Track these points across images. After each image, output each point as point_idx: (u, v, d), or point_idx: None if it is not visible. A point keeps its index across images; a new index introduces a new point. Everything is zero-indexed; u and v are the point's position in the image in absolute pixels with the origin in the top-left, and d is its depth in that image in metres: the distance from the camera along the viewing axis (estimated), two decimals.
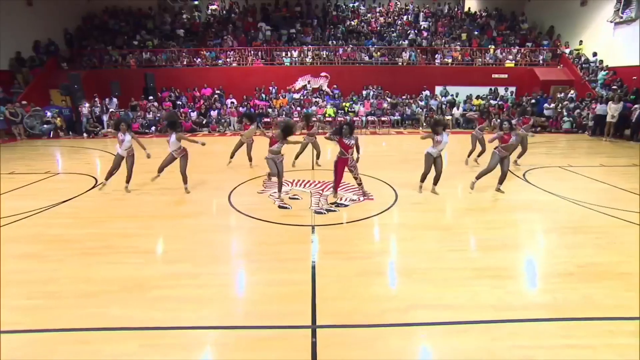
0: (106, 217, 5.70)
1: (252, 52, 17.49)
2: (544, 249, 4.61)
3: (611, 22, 15.61)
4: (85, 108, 13.87)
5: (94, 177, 7.92)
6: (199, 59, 17.17)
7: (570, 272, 3.89)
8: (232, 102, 15.35)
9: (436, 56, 17.36)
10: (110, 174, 6.85)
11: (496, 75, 17.03)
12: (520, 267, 4.17)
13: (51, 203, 6.31)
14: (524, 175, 8.00)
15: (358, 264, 4.16)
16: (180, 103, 15.61)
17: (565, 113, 14.27)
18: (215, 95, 15.83)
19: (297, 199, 6.47)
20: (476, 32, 18.56)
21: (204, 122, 14.84)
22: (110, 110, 14.23)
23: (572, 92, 15.28)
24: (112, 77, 15.69)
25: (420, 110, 15.33)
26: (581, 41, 17.01)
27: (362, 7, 20.68)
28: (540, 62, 17.35)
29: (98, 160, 10.26)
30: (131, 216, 5.73)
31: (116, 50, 17.07)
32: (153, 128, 14.18)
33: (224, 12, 20.31)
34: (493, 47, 17.73)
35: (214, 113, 15.03)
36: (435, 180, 6.69)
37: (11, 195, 6.86)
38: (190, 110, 15.13)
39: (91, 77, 15.88)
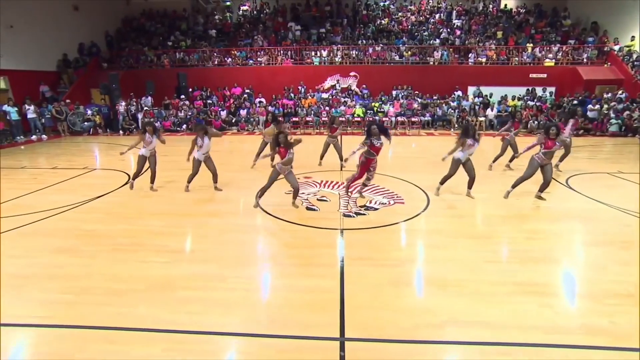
0: (136, 213, 5.77)
1: (281, 51, 17.49)
2: (594, 264, 4.19)
3: None
4: (121, 106, 14.35)
5: (127, 174, 8.10)
6: (229, 59, 17.38)
7: (629, 293, 3.48)
8: (260, 102, 15.40)
9: (469, 55, 16.66)
10: (135, 175, 6.93)
11: (534, 75, 16.12)
12: (568, 284, 3.79)
13: (87, 198, 6.48)
14: (566, 181, 7.44)
15: (389, 272, 3.94)
16: (211, 102, 15.84)
17: (612, 115, 13.27)
18: (245, 95, 15.95)
19: (326, 200, 6.31)
20: (512, 30, 17.64)
21: (233, 120, 14.98)
22: (145, 108, 14.65)
23: (621, 92, 14.19)
24: (148, 76, 16.17)
25: (452, 111, 14.74)
26: (633, 37, 15.74)
27: (392, 6, 20.20)
28: (584, 60, 16.24)
29: (132, 157, 10.53)
30: (160, 213, 5.76)
31: (152, 51, 17.58)
32: (184, 126, 14.46)
33: (255, 12, 20.45)
34: (531, 45, 16.79)
35: (243, 112, 15.14)
36: (470, 184, 6.34)
37: (52, 189, 7.13)
38: (220, 109, 15.32)
39: (128, 76, 16.44)
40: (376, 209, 5.89)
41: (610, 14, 16.93)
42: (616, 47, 16.04)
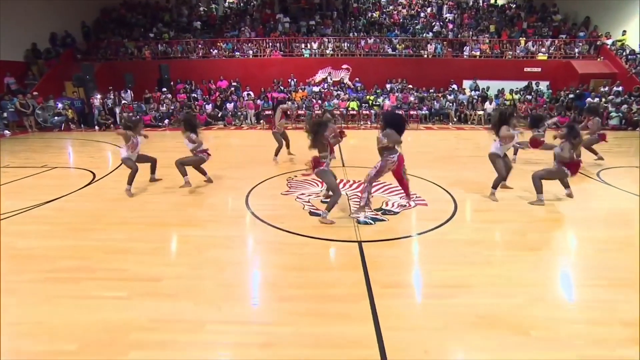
0: (92, 223, 4.28)
1: (270, 43, 15.99)
2: None
3: None
4: (97, 100, 12.60)
5: (92, 172, 6.55)
6: (215, 51, 15.76)
7: None
8: (248, 94, 13.90)
9: (464, 48, 15.57)
10: (131, 178, 5.38)
11: (528, 69, 15.18)
12: None
13: (34, 203, 4.94)
14: (598, 175, 6.33)
15: (437, 309, 2.65)
16: (195, 96, 14.23)
17: (611, 108, 12.39)
18: (232, 88, 14.40)
19: None
20: (504, 24, 16.65)
21: (219, 115, 13.43)
22: (124, 102, 12.93)
23: (617, 85, 13.36)
24: (127, 69, 14.41)
25: (450, 104, 13.61)
26: (624, 31, 15.00)
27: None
28: (576, 54, 15.38)
29: (104, 153, 8.92)
30: (123, 223, 4.30)
31: (132, 42, 15.78)
32: (167, 121, 12.83)
33: (242, 4, 18.82)
34: (524, 39, 15.84)
35: (230, 105, 13.61)
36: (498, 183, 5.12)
37: None
38: (205, 103, 13.74)
39: (106, 69, 14.64)
40: (395, 213, 4.58)
41: (599, 10, 16.15)
42: (608, 42, 15.25)
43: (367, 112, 13.48)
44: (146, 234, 3.96)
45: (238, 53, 15.81)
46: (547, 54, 15.50)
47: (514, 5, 18.07)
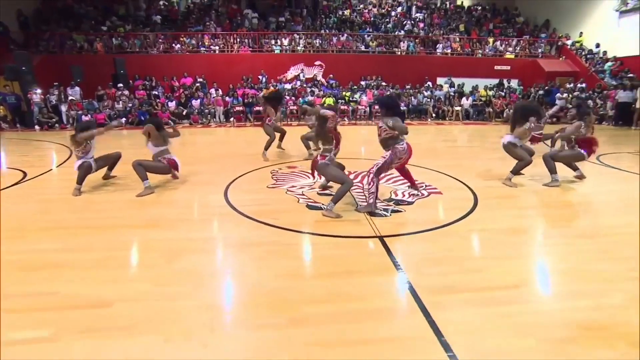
0: (16, 229, 3.11)
1: (237, 39, 14.95)
2: None
3: (617, 10, 14.26)
4: (36, 95, 10.87)
5: (22, 171, 5.21)
6: (178, 46, 14.45)
7: None
8: (217, 91, 12.74)
9: (437, 46, 15.48)
10: (81, 177, 4.22)
11: (498, 67, 15.34)
12: None
13: None
14: (598, 159, 6.03)
15: (518, 319, 1.89)
16: (156, 93, 12.84)
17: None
18: (197, 84, 13.18)
19: (331, 194, 4.12)
20: (472, 25, 16.87)
21: (184, 112, 12.16)
22: (71, 98, 11.29)
23: (581, 82, 13.76)
24: (75, 63, 12.72)
25: (428, 100, 13.32)
26: (581, 33, 15.65)
27: None
28: (540, 54, 15.84)
29: (44, 152, 7.45)
30: (61, 227, 3.17)
31: (81, 34, 14.06)
32: (124, 119, 11.35)
33: (206, 0, 17.63)
34: (492, 38, 16.07)
35: (196, 103, 12.38)
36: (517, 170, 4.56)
37: None
38: (168, 101, 12.40)
39: (48, 62, 12.83)
40: (410, 202, 3.82)
41: (557, 13, 16.81)
42: (568, 42, 15.84)
43: (345, 107, 12.82)
44: (91, 241, 2.88)
45: (203, 48, 14.60)
46: (514, 53, 15.80)
47: (480, 8, 18.41)
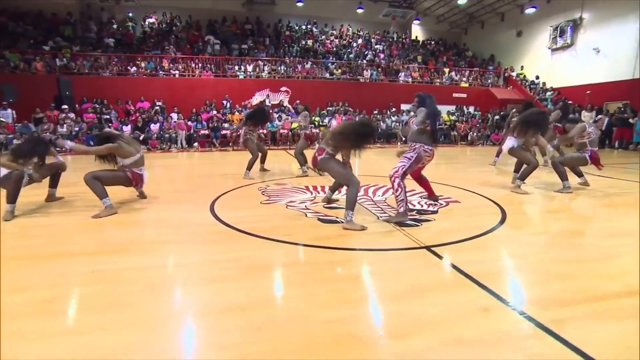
0: None
1: (199, 64, 14.38)
2: None
3: (549, 48, 16.00)
4: None
5: None
6: (134, 68, 13.49)
7: None
8: (178, 115, 11.85)
9: (399, 74, 16.14)
10: (12, 196, 3.22)
11: (456, 94, 16.29)
12: None
13: None
14: None
15: None
16: (108, 117, 11.63)
17: None
18: (157, 108, 12.21)
19: (339, 208, 3.56)
20: (429, 57, 18.00)
21: (141, 137, 11.04)
22: (1, 120, 9.75)
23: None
24: (8, 82, 11.22)
25: (398, 124, 13.54)
26: (522, 66, 17.33)
27: (315, 29, 19.08)
28: (489, 84, 17.18)
29: None
30: None
31: (16, 53, 12.59)
32: (70, 143, 9.96)
33: (164, 25, 17.01)
34: (447, 69, 17.19)
35: (154, 127, 11.36)
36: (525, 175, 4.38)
37: None
38: (122, 125, 11.25)
39: None
40: (434, 212, 3.38)
41: (500, 49, 18.60)
42: (514, 74, 17.41)
43: (317, 130, 12.55)
44: (28, 276, 2.01)
45: (162, 72, 13.79)
46: (468, 83, 16.95)
47: (433, 42, 19.81)
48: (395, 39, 19.84)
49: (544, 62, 16.35)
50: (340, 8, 18.60)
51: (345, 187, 3.11)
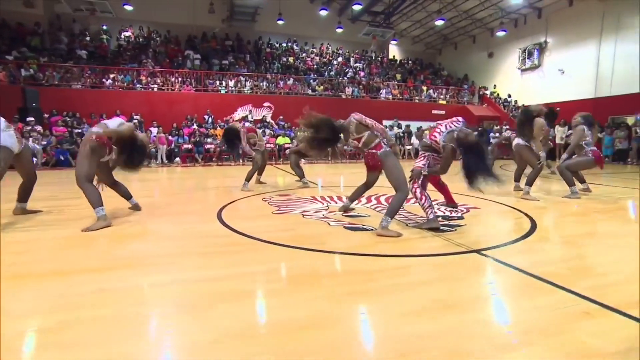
0: None
1: (179, 78, 14.00)
2: None
3: (519, 69, 17.00)
4: None
5: None
6: (109, 81, 12.89)
7: None
8: (158, 129, 11.32)
9: (381, 91, 16.48)
10: None
11: (435, 111, 16.77)
12: None
13: None
14: None
15: None
16: (80, 130, 10.91)
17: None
18: (135, 121, 11.62)
19: (363, 216, 3.35)
20: (407, 75, 18.60)
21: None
22: None
23: (505, 124, 15.63)
24: None
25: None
26: (495, 85, 18.23)
27: (295, 47, 19.28)
28: (465, 102, 17.91)
29: None
30: None
31: None
32: (35, 159, 9.19)
33: (140, 39, 16.56)
34: (426, 87, 17.79)
35: None
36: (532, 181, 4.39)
37: None
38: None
39: None
40: (460, 217, 3.25)
41: (473, 69, 19.58)
42: (488, 92, 18.28)
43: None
44: (22, 298, 1.63)
45: (139, 86, 13.26)
46: (445, 100, 17.58)
47: (410, 61, 20.55)
48: (373, 57, 20.42)
49: (515, 81, 17.30)
50: (319, 27, 18.97)
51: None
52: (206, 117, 13.24)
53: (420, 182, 3.06)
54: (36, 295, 1.66)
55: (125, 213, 3.45)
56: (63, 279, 1.86)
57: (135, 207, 3.59)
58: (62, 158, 9.58)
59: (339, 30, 18.78)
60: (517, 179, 5.06)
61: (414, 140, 13.80)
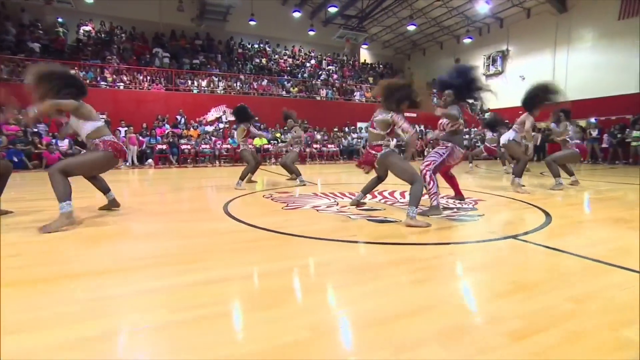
0: None
1: (147, 76, 13.28)
2: None
3: (484, 74, 17.98)
4: None
5: None
6: None
7: None
8: (127, 129, 10.62)
9: (355, 94, 16.68)
10: None
11: (407, 114, 17.24)
12: None
13: None
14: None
15: None
16: (37, 130, 9.97)
17: (480, 144, 14.92)
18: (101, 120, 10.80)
19: (377, 209, 3.30)
20: (379, 78, 19.01)
21: (82, 153, 9.60)
22: None
23: (473, 127, 16.44)
24: None
25: (358, 141, 13.80)
26: None
27: (268, 48, 19.04)
28: (434, 105, 18.63)
29: None
30: None
31: None
32: None
33: (104, 35, 15.53)
34: None
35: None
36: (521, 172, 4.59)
37: None
38: (55, 140, 9.70)
39: None
40: (472, 208, 3.30)
41: (440, 73, 20.42)
42: None
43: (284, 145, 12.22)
44: (41, 305, 1.40)
45: (104, 83, 12.40)
46: None
47: (381, 65, 21.04)
48: (346, 60, 20.68)
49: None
50: (292, 29, 18.90)
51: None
52: (178, 117, 12.65)
53: (432, 168, 3.11)
54: (57, 300, 1.41)
55: (131, 211, 3.13)
56: (94, 279, 1.61)
57: (113, 203, 3.23)
58: (15, 160, 8.67)
59: (311, 33, 18.83)
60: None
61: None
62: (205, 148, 11.07)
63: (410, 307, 1.33)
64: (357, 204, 3.47)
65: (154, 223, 2.84)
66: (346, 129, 15.07)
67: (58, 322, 1.20)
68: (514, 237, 2.26)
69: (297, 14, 17.46)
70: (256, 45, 18.85)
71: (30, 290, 1.47)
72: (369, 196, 3.97)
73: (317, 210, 3.23)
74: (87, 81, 12.19)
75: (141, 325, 1.19)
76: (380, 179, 3.33)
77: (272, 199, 3.88)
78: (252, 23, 17.30)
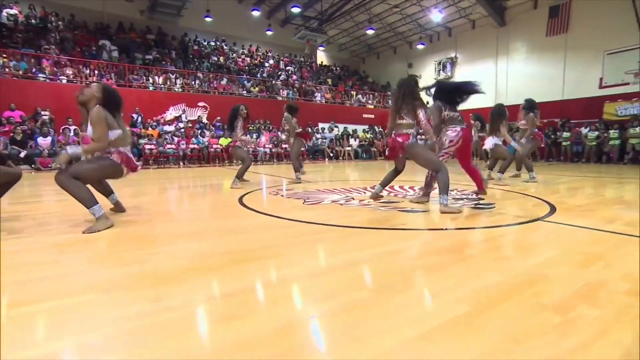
0: None
1: (95, 70, 12.14)
2: None
3: (435, 79, 19.29)
4: None
5: None
6: None
7: None
8: (77, 128, 9.59)
9: (316, 95, 16.86)
10: None
11: (366, 115, 17.89)
12: None
13: None
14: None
15: None
16: None
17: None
18: (44, 118, 9.64)
19: (395, 202, 3.45)
20: (337, 80, 19.45)
21: (21, 154, 8.49)
22: None
23: None
24: None
25: (324, 141, 13.97)
26: None
27: (225, 46, 18.46)
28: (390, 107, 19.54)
29: None
30: None
31: None
32: None
33: (35, 20, 13.83)
34: (355, 91, 18.84)
35: (44, 142, 8.89)
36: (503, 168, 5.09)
37: None
38: None
39: None
40: (480, 198, 3.60)
41: (394, 77, 21.48)
42: None
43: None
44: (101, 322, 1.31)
45: (42, 76, 11.07)
46: (373, 105, 18.87)
47: (338, 67, 21.52)
48: (304, 62, 20.81)
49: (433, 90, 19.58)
50: (249, 28, 18.57)
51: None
52: (134, 115, 11.74)
53: (445, 158, 3.31)
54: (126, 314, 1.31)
55: (147, 212, 2.89)
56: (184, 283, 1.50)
57: (118, 207, 2.98)
58: None
59: (269, 33, 18.67)
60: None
61: (352, 141, 14.48)
62: (170, 148, 10.42)
63: (520, 279, 1.46)
64: (376, 197, 3.58)
65: (183, 222, 2.68)
66: (309, 129, 15.16)
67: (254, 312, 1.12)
68: (541, 219, 2.54)
69: (255, 13, 17.21)
70: (212, 43, 18.18)
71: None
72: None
73: (341, 205, 3.28)
74: (20, 72, 10.81)
75: (313, 313, 1.16)
76: (397, 171, 3.47)
77: (284, 196, 3.84)
78: (207, 19, 16.67)
